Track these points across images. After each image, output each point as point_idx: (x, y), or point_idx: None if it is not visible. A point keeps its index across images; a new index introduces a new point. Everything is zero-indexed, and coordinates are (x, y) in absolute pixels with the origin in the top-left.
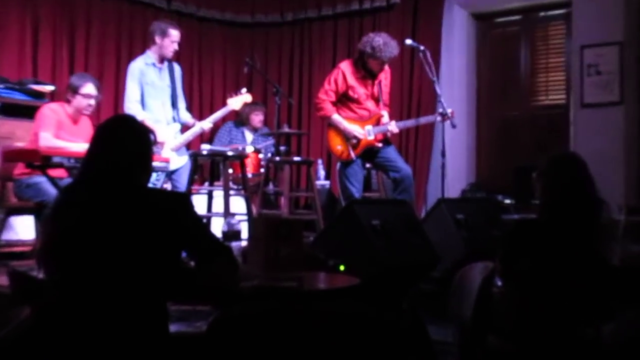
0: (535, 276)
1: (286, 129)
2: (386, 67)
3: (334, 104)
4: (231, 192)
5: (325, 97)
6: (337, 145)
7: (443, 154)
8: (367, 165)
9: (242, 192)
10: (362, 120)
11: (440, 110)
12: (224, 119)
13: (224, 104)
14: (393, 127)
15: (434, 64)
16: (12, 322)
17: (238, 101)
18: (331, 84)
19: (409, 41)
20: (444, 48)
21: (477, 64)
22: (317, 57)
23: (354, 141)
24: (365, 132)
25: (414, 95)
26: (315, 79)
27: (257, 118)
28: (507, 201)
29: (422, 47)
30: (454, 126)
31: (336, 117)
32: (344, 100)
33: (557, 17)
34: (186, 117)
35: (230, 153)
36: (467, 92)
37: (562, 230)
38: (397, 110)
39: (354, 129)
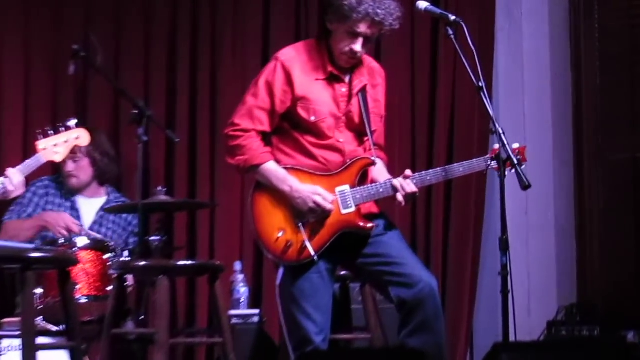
0: None
1: (162, 197)
2: (372, 65)
3: (268, 138)
4: (40, 340)
5: (249, 123)
6: (277, 231)
7: (504, 247)
8: (342, 272)
9: (66, 339)
10: (329, 175)
11: (497, 146)
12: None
13: (31, 152)
14: (400, 186)
15: (480, 55)
16: None
17: (61, 144)
18: (260, 93)
19: (423, 4)
20: (501, 19)
21: (571, 53)
22: (229, 38)
23: (313, 219)
24: (337, 200)
25: (439, 117)
26: (224, 85)
27: (69, 163)
28: None
29: (452, 17)
30: (525, 186)
31: (271, 168)
32: (288, 129)
33: None
34: None
35: (36, 254)
36: (552, 108)
37: None
38: (405, 149)
39: (313, 191)
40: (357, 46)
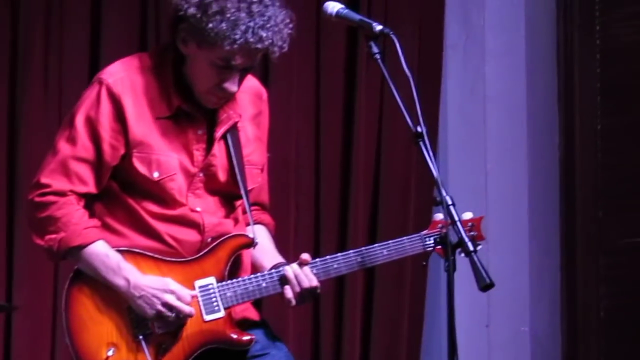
0: None
1: None
2: (247, 86)
3: (92, 202)
4: None
5: (63, 182)
6: (105, 348)
7: None
8: None
9: None
10: (184, 263)
11: (441, 216)
12: None
13: None
14: (294, 278)
15: (421, 83)
16: None
17: None
18: (78, 136)
19: (334, 5)
20: (454, 30)
21: (559, 81)
22: (37, 49)
23: (161, 329)
24: (197, 300)
25: (356, 176)
26: (30, 123)
27: None
28: None
29: (378, 27)
30: (485, 284)
31: (100, 252)
32: (116, 192)
33: None
34: None
35: None
36: (529, 164)
37: None
38: (305, 223)
39: (162, 287)
40: (233, 85)
